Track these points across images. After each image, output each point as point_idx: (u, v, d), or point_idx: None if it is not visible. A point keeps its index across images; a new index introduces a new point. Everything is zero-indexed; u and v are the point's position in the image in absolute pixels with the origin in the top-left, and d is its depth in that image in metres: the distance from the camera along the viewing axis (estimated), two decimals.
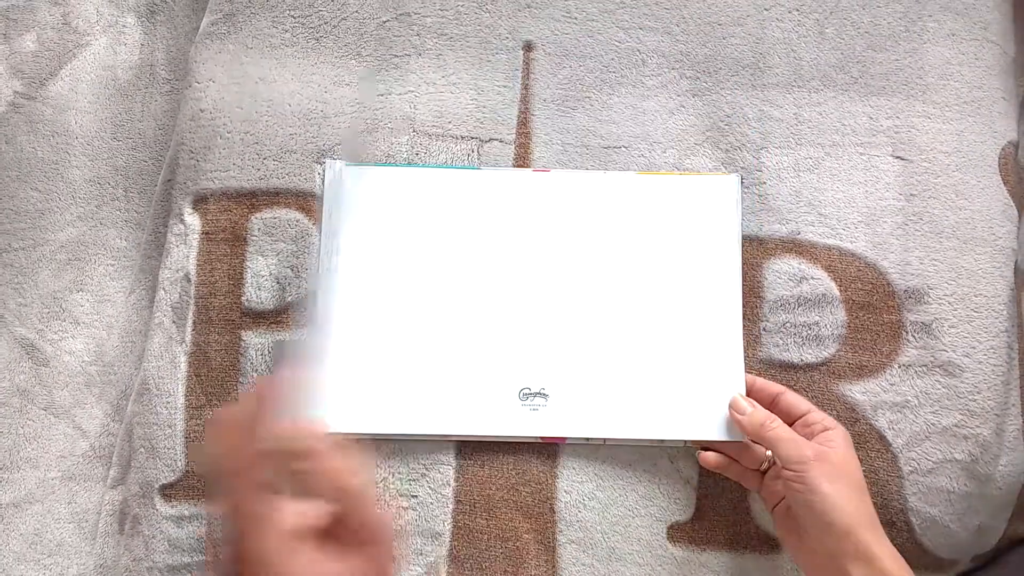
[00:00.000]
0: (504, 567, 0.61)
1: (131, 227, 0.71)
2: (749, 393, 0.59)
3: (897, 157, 0.62)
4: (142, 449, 0.63)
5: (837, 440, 0.54)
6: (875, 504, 0.59)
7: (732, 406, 0.58)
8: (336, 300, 0.61)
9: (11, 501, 0.68)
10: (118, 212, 0.71)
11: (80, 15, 0.75)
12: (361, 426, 0.60)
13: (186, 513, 0.62)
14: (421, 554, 0.61)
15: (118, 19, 0.75)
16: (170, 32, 0.74)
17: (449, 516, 0.61)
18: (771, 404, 0.58)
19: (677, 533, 0.61)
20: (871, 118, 0.63)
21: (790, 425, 0.56)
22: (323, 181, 0.63)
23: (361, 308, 0.61)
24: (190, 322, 0.63)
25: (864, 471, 0.59)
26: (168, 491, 0.62)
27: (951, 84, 0.63)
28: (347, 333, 0.61)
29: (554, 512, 0.61)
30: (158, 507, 0.62)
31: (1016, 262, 0.62)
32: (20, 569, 0.67)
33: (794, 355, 0.61)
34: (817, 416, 0.56)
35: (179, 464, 0.62)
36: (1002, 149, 0.62)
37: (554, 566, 0.61)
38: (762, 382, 0.59)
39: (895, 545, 0.59)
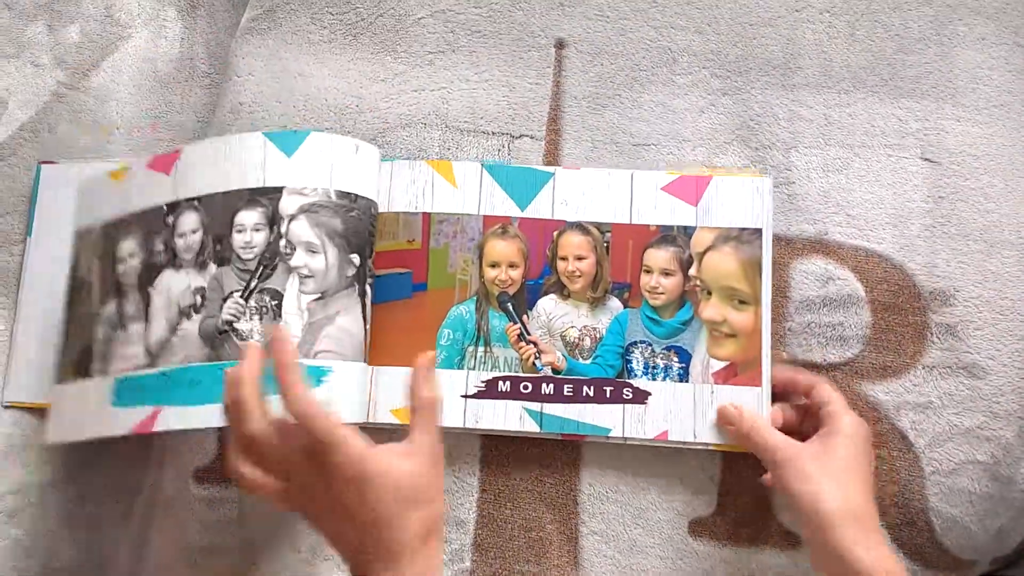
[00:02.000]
0: (527, 556, 0.62)
1: None
2: (782, 391, 0.60)
3: (926, 159, 0.62)
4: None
5: (835, 436, 0.55)
6: (896, 503, 0.60)
7: (721, 415, 0.59)
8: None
9: (47, 480, 0.70)
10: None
11: (123, 8, 0.77)
12: (387, 416, 0.61)
13: (218, 495, 0.64)
14: (446, 541, 0.62)
15: (159, 12, 0.77)
16: (210, 26, 0.76)
17: (474, 504, 0.62)
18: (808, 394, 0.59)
19: (698, 528, 0.62)
20: (900, 120, 0.63)
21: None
22: None
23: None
24: None
25: (885, 470, 0.60)
26: (201, 474, 0.64)
27: (981, 87, 0.63)
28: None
29: (577, 504, 0.62)
30: (192, 489, 0.64)
31: None
32: (55, 548, 0.69)
33: (817, 355, 0.61)
34: (832, 408, 0.56)
35: (211, 447, 0.64)
36: None
37: (576, 557, 0.62)
38: (799, 375, 0.59)
39: (914, 545, 0.60)
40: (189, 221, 0.59)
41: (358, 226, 0.59)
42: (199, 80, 0.75)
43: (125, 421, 0.58)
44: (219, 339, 0.57)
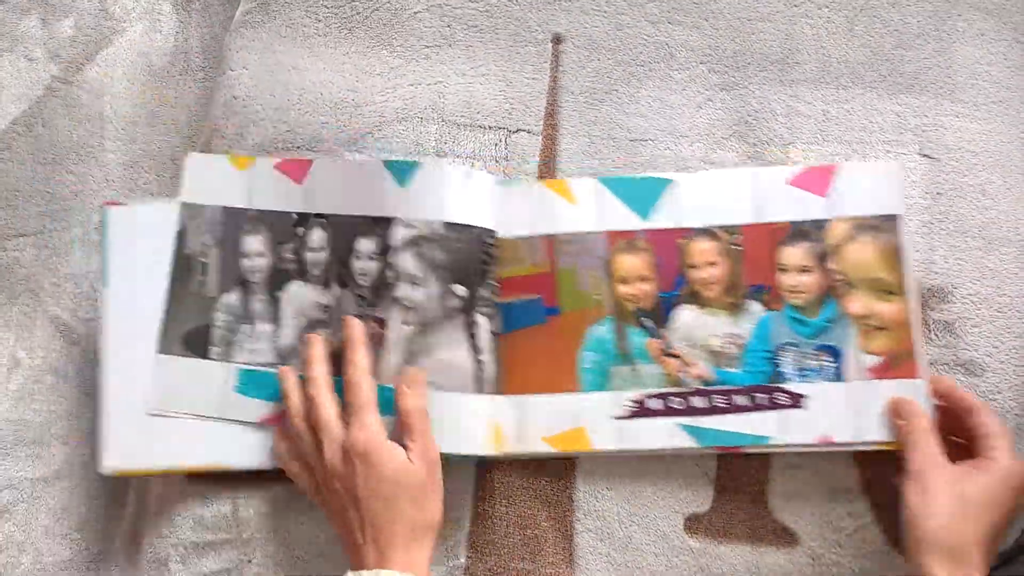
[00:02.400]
0: (522, 553, 0.62)
1: None
2: (945, 397, 0.57)
3: (924, 155, 0.62)
4: None
5: (983, 472, 0.53)
6: (892, 502, 0.60)
7: (895, 408, 0.57)
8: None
9: (41, 476, 0.69)
10: (151, 196, 0.73)
11: (117, 2, 0.76)
12: None
13: (211, 492, 0.64)
14: (440, 538, 0.62)
15: (154, 6, 0.76)
16: (205, 20, 0.75)
17: (469, 501, 0.62)
18: (965, 417, 0.56)
19: (694, 525, 0.62)
20: (899, 116, 0.63)
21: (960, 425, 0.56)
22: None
23: None
24: None
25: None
26: None
27: (980, 83, 0.63)
28: None
29: (572, 500, 0.61)
30: (184, 485, 0.64)
31: None
32: (47, 543, 0.69)
33: None
34: (993, 443, 0.54)
35: None
36: None
37: (571, 554, 0.61)
38: (962, 393, 0.57)
39: None
40: (317, 238, 0.61)
41: (465, 256, 0.59)
42: (193, 74, 0.74)
43: (251, 410, 0.60)
44: (339, 358, 0.59)
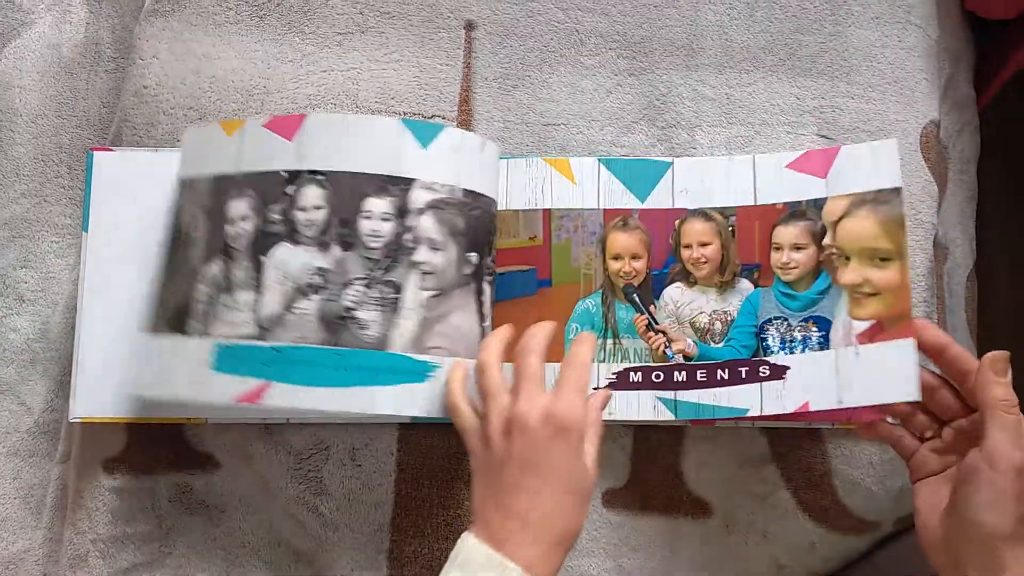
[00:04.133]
0: (446, 534, 0.62)
1: (75, 204, 0.71)
2: (934, 353, 0.55)
3: (822, 136, 0.64)
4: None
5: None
6: (799, 467, 0.62)
7: (991, 362, 0.50)
8: None
9: None
10: (62, 190, 0.71)
11: None
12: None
13: (129, 485, 0.63)
14: (365, 522, 0.62)
15: None
16: (115, 10, 0.74)
17: (392, 484, 0.62)
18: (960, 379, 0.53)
19: (612, 499, 0.63)
20: (798, 99, 0.65)
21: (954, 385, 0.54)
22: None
23: None
24: None
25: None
26: (110, 464, 0.63)
27: (875, 65, 0.66)
28: None
29: None
30: (101, 479, 0.63)
31: (935, 236, 0.65)
32: None
33: None
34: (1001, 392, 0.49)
35: (121, 438, 0.63)
36: (923, 128, 0.65)
37: None
38: (957, 350, 0.53)
39: (819, 507, 0.62)
40: (312, 196, 0.57)
41: (479, 224, 0.59)
42: (105, 65, 0.73)
43: (227, 389, 0.55)
44: (338, 324, 0.55)
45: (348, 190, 0.56)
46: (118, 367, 0.61)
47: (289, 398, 0.54)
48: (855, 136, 0.64)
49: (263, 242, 0.57)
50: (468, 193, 0.58)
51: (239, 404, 0.55)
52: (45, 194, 0.71)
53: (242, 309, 0.56)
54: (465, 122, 0.66)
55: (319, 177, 0.57)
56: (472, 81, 0.66)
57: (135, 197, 0.63)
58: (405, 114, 0.65)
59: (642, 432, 0.63)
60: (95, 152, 0.63)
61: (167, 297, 0.59)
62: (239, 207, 0.58)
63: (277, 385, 0.55)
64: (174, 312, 0.58)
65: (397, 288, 0.56)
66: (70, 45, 0.74)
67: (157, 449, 0.63)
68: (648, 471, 0.63)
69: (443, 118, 0.65)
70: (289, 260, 0.57)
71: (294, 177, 0.57)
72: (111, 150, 0.64)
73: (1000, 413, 0.48)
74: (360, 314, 0.55)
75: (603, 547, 0.63)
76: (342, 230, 0.56)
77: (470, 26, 0.67)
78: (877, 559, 0.65)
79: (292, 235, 0.57)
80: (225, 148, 0.59)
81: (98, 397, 0.61)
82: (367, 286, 0.56)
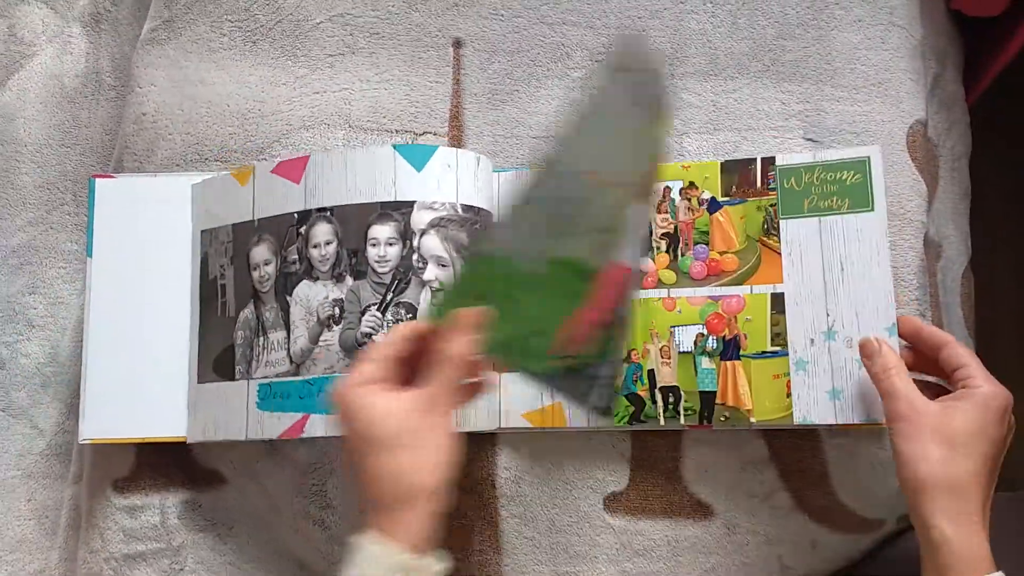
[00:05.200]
0: (450, 543, 0.63)
1: (81, 231, 0.73)
2: (911, 338, 0.57)
3: (808, 139, 0.65)
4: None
5: (963, 402, 0.51)
6: (798, 468, 0.62)
7: (862, 348, 0.55)
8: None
9: None
10: (68, 216, 0.73)
11: (26, 26, 0.77)
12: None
13: (139, 503, 0.64)
14: None
15: (63, 29, 0.77)
16: (114, 40, 0.76)
17: None
18: (935, 354, 0.55)
19: (613, 503, 0.64)
20: (783, 103, 0.66)
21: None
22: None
23: None
24: None
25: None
26: (121, 484, 0.64)
27: (859, 68, 0.66)
28: None
29: (495, 488, 0.63)
30: (111, 499, 0.64)
31: (926, 234, 0.65)
32: None
33: None
34: (966, 373, 0.52)
35: (130, 458, 0.64)
36: (910, 128, 0.65)
37: (498, 540, 0.63)
38: (930, 329, 0.56)
39: (818, 507, 0.62)
40: (322, 232, 0.60)
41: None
42: (105, 93, 0.75)
43: (273, 426, 0.59)
44: (359, 351, 0.58)
45: (353, 221, 0.59)
46: (125, 388, 0.63)
47: (326, 427, 0.58)
48: (842, 138, 0.65)
49: (286, 282, 0.61)
50: (468, 208, 0.60)
51: (282, 439, 0.58)
52: (51, 221, 0.73)
53: (276, 348, 0.60)
54: (456, 138, 0.67)
55: (325, 213, 0.60)
56: (462, 97, 0.68)
57: (136, 222, 0.65)
58: (397, 131, 0.67)
59: (640, 436, 0.64)
60: (97, 179, 0.65)
61: (210, 345, 0.63)
62: (261, 252, 0.62)
63: (314, 417, 0.58)
64: (221, 358, 0.62)
65: (412, 308, 0.58)
66: (71, 75, 0.76)
67: (165, 467, 0.65)
68: (648, 475, 0.64)
69: (434, 134, 0.67)
70: (310, 296, 0.60)
71: (304, 217, 0.60)
72: (113, 177, 0.66)
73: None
74: (378, 338, 0.58)
75: (606, 552, 0.64)
76: (352, 260, 0.59)
77: (458, 44, 0.68)
78: (884, 557, 0.65)
79: (310, 272, 0.60)
80: (241, 198, 0.63)
81: (106, 418, 0.63)
82: (381, 311, 0.58)
